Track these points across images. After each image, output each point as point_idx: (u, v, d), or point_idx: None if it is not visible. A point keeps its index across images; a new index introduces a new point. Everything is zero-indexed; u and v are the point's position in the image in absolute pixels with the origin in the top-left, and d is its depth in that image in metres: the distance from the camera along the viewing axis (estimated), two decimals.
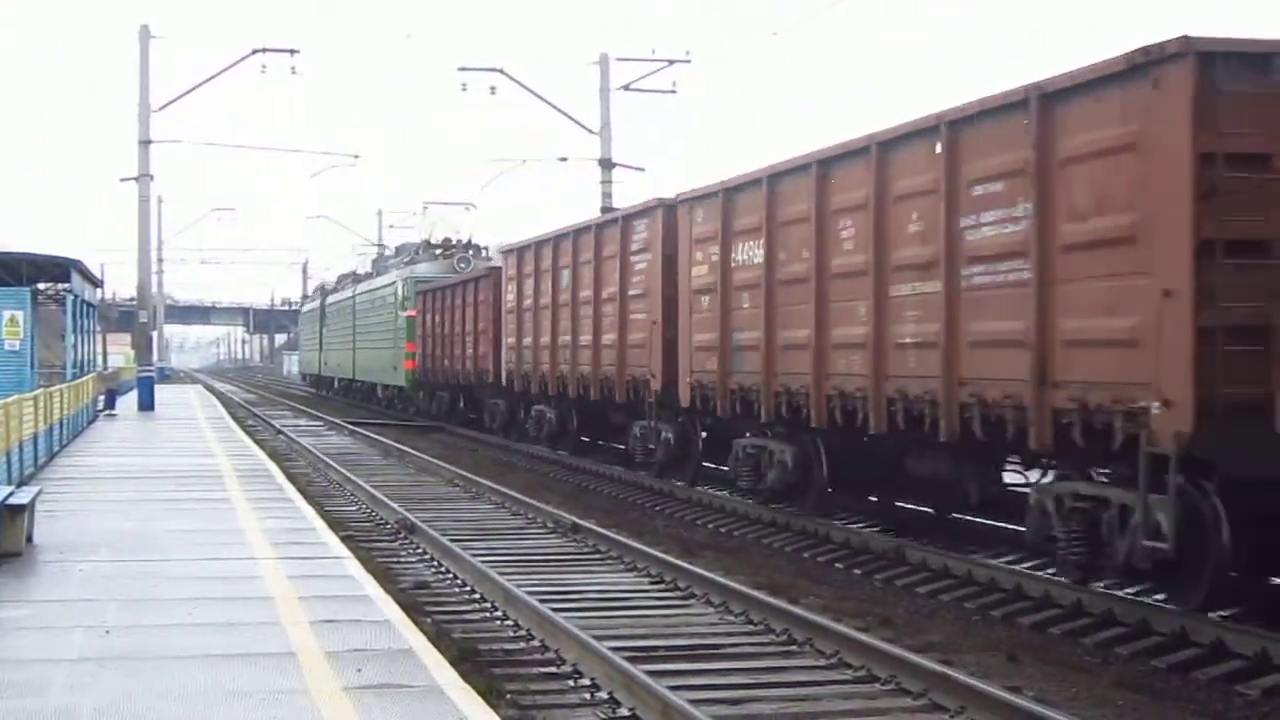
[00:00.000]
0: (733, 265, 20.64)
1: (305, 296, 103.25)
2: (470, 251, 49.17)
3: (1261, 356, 11.49)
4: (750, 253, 20.04)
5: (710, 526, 20.62)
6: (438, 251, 51.51)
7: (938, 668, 10.48)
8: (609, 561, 16.86)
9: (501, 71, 42.82)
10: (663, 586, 15.01)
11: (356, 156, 60.91)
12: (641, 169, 47.25)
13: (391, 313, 51.00)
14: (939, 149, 14.93)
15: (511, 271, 34.23)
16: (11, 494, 14.49)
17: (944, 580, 15.34)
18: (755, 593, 13.70)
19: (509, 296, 34.36)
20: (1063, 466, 13.84)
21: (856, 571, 16.57)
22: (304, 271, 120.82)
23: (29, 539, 14.39)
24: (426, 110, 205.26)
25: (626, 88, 43.58)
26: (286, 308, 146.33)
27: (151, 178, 43.95)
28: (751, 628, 12.77)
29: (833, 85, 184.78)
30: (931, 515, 18.70)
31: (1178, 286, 11.58)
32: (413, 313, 47.68)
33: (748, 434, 21.03)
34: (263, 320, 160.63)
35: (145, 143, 43.38)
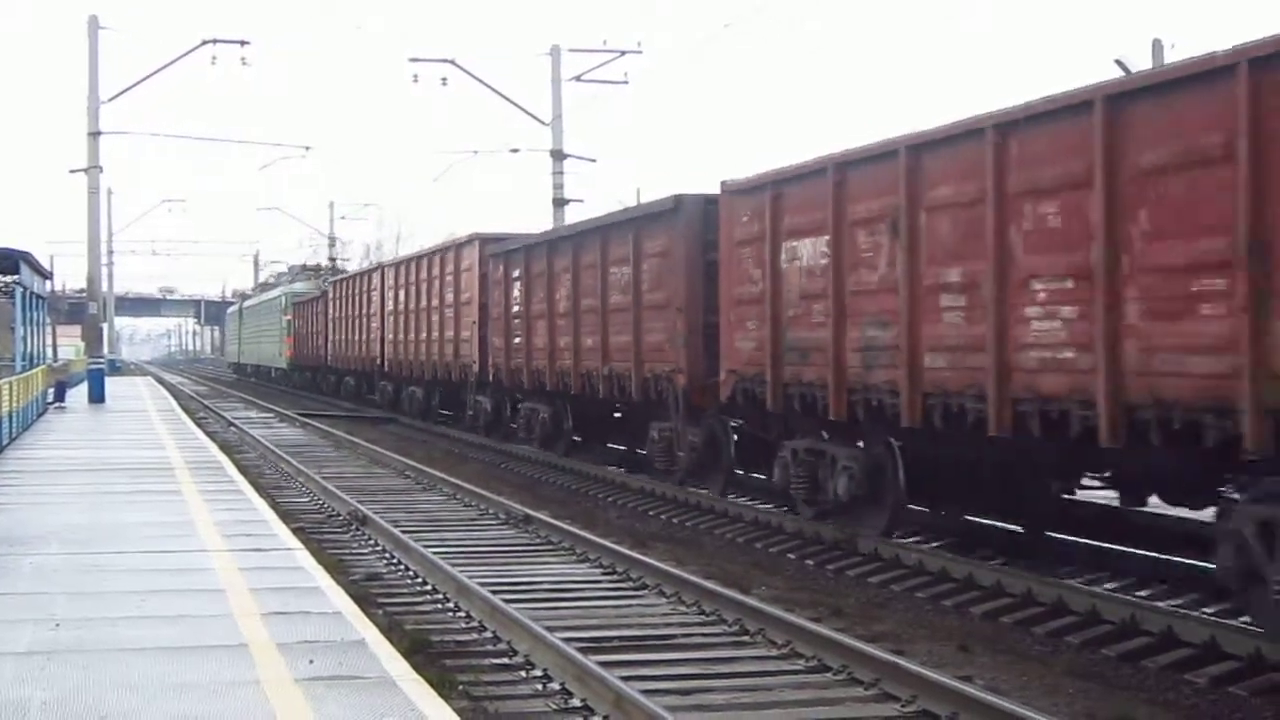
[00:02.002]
0: (400, 299, 42.11)
1: (256, 287, 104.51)
2: (333, 274, 66.31)
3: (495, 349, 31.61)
4: (406, 294, 41.18)
5: (663, 518, 20.65)
6: (310, 273, 74.03)
7: (889, 657, 10.52)
8: (561, 553, 16.87)
9: (453, 63, 42.74)
10: (615, 577, 15.02)
11: (308, 148, 60.34)
12: (593, 160, 47.33)
13: (278, 317, 70.87)
14: (470, 257, 34.08)
15: (332, 294, 54.98)
16: None
17: (895, 570, 15.41)
18: (707, 583, 13.74)
19: (332, 311, 55.00)
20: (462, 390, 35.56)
21: (809, 562, 16.62)
22: (255, 263, 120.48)
23: None
24: (378, 102, 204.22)
25: (578, 79, 43.57)
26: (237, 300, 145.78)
27: (101, 169, 43.53)
28: (704, 618, 12.79)
29: (782, 75, 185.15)
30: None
31: (477, 320, 32.61)
32: (290, 317, 67.52)
33: (418, 384, 41.46)
34: (214, 312, 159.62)
35: (95, 134, 43.01)
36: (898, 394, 15.29)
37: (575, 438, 28.72)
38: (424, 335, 38.85)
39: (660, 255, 22.10)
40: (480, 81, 43.33)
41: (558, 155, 44.11)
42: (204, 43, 41.82)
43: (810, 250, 17.28)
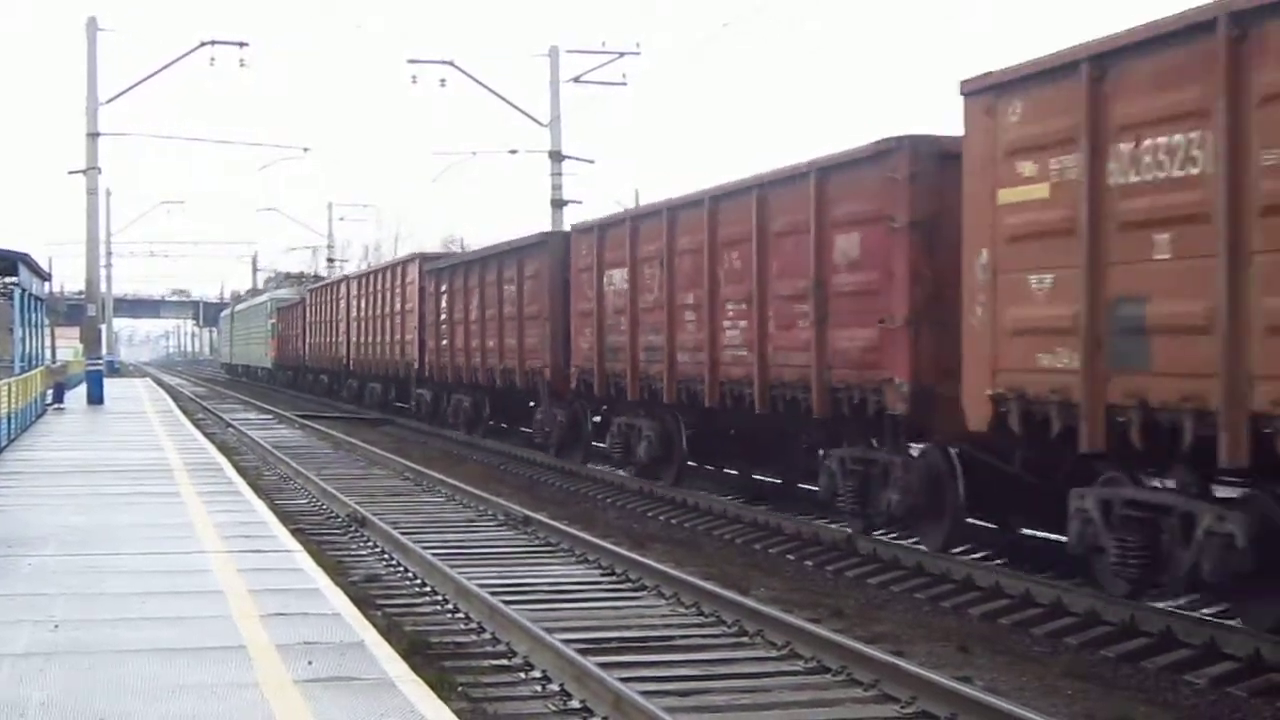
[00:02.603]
0: (361, 307, 47.54)
1: (249, 290, 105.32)
2: (314, 282, 71.32)
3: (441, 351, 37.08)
4: (367, 303, 46.75)
5: (661, 519, 20.65)
6: (294, 280, 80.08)
7: (889, 659, 10.51)
8: (560, 554, 16.86)
9: (452, 64, 42.76)
10: (614, 579, 15.02)
11: (306, 149, 60.62)
12: (592, 161, 47.45)
13: (264, 320, 77.32)
14: (412, 273, 39.82)
15: (309, 301, 61.78)
16: None
17: (895, 571, 15.42)
18: (706, 584, 13.73)
19: (309, 316, 61.72)
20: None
21: (808, 563, 16.63)
22: (254, 264, 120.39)
23: None
24: (377, 102, 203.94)
25: (577, 80, 43.59)
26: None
27: (100, 170, 43.46)
28: (703, 619, 12.79)
29: (782, 75, 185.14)
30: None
31: (417, 325, 38.94)
32: (274, 321, 73.56)
33: (377, 381, 47.60)
34: (213, 314, 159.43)
35: (93, 135, 42.95)
36: (662, 381, 21.63)
37: (502, 424, 34.48)
38: (379, 338, 45.06)
39: (534, 277, 28.95)
40: (479, 83, 43.40)
41: (556, 156, 44.15)
42: (203, 44, 41.73)
43: (619, 278, 23.56)
